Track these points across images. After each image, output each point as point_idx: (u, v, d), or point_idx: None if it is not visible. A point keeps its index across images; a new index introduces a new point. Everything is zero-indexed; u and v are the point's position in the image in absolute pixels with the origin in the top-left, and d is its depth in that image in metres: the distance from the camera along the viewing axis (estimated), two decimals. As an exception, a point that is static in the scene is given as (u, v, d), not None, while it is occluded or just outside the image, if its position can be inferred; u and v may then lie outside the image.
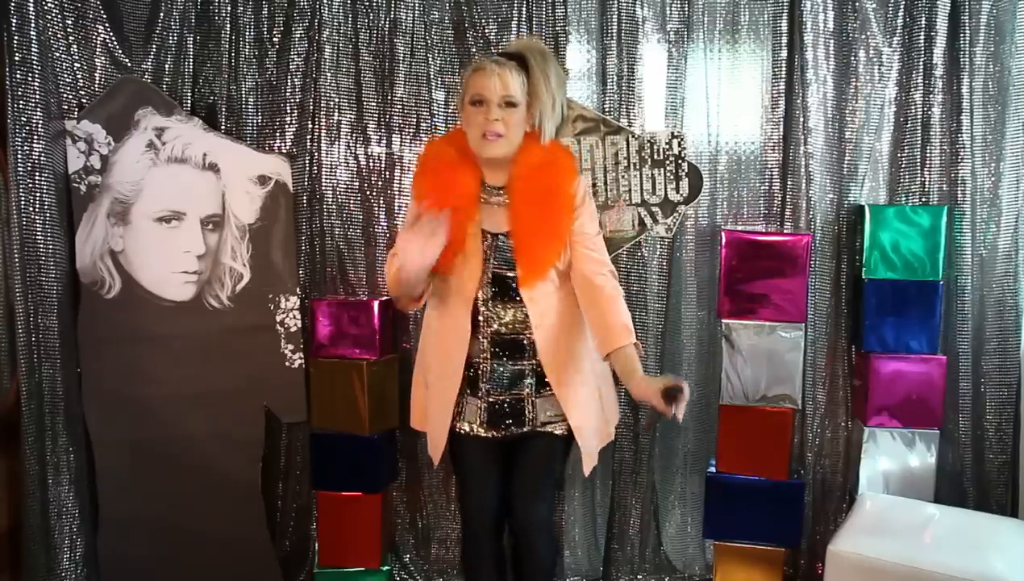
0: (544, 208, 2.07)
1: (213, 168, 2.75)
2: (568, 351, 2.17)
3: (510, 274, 2.10)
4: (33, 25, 2.57)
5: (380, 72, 2.85)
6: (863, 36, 2.78)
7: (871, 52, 2.78)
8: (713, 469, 2.80)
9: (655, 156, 2.81)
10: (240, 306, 2.79)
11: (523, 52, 2.10)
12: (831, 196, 2.84)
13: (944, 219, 2.67)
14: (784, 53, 2.79)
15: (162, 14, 2.78)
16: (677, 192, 2.82)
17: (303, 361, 2.83)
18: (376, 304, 2.75)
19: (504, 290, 2.11)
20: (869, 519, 2.50)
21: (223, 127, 2.82)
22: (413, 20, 2.81)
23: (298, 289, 2.83)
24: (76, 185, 2.73)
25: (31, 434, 2.63)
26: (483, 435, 2.16)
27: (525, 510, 2.17)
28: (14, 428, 2.65)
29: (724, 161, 2.89)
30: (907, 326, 2.69)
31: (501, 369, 2.14)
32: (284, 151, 2.86)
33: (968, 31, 2.71)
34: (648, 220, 2.83)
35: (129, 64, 2.80)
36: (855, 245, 2.82)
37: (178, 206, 2.75)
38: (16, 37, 2.54)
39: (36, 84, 2.58)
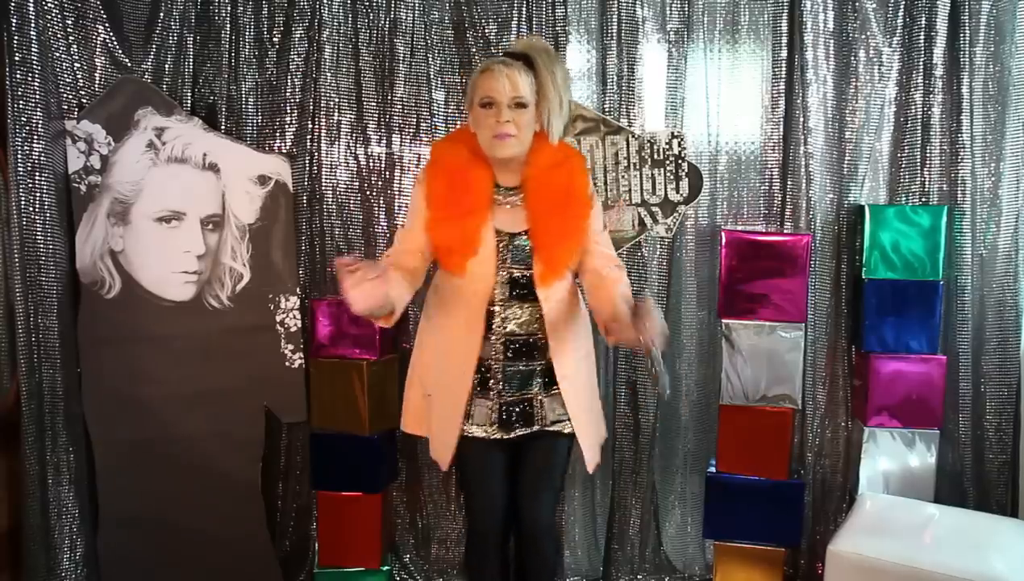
0: (562, 207, 2.07)
1: (213, 168, 2.75)
2: (575, 350, 2.18)
3: (527, 273, 2.09)
4: (33, 25, 2.57)
5: (380, 72, 2.85)
6: (863, 36, 2.78)
7: (871, 52, 2.79)
8: (713, 469, 2.80)
9: (655, 156, 2.81)
10: (240, 306, 2.79)
11: (528, 52, 2.09)
12: (831, 196, 2.84)
13: (944, 219, 2.67)
14: (784, 53, 2.79)
15: (162, 14, 2.78)
16: (677, 192, 2.82)
17: (303, 361, 2.83)
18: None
19: (519, 290, 2.10)
20: (869, 519, 2.50)
21: (223, 127, 2.82)
22: (413, 20, 2.81)
23: (298, 289, 2.83)
24: (76, 185, 2.73)
25: (31, 434, 2.63)
26: (493, 437, 2.15)
27: (533, 510, 2.18)
28: (14, 428, 2.65)
29: (724, 161, 2.89)
30: (907, 326, 2.69)
31: (513, 370, 2.14)
32: (284, 151, 2.86)
33: (968, 31, 2.71)
34: (648, 220, 2.83)
35: (129, 64, 2.80)
36: (855, 245, 2.82)
37: (178, 206, 2.75)
38: (16, 37, 2.54)
39: (36, 84, 2.58)
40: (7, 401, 2.69)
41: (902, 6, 2.76)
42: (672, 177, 2.81)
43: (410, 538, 3.05)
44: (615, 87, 2.81)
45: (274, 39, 2.84)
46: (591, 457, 2.20)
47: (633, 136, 2.81)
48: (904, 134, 2.82)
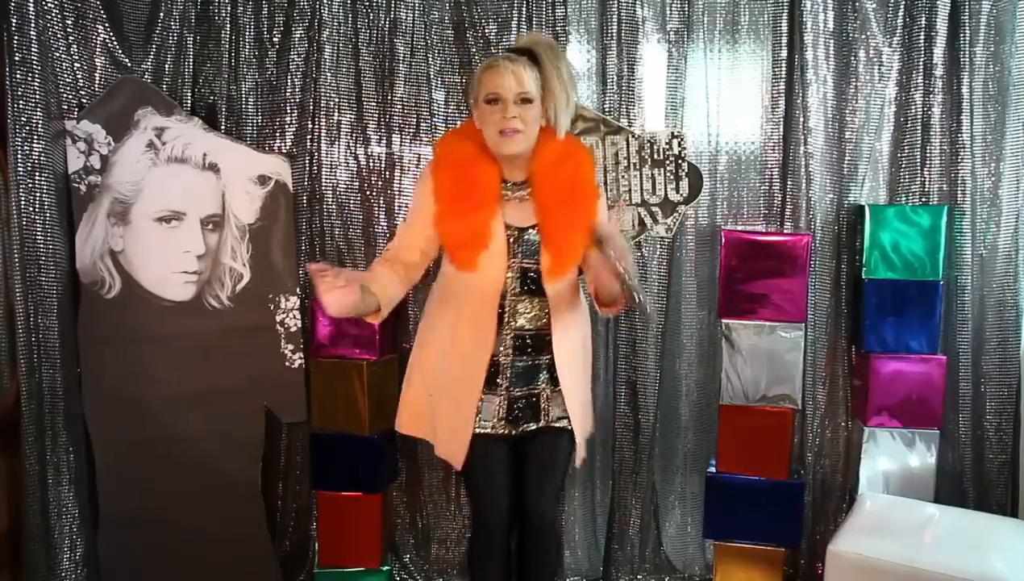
0: (571, 201, 2.07)
1: (213, 168, 2.75)
2: (572, 340, 2.18)
3: (537, 267, 2.09)
4: (33, 25, 2.57)
5: (380, 72, 2.85)
6: (863, 36, 2.78)
7: (871, 52, 2.79)
8: (713, 469, 2.80)
9: (655, 156, 2.81)
10: (240, 306, 2.79)
11: (532, 47, 2.08)
12: (831, 196, 2.84)
13: (944, 219, 2.67)
14: (784, 53, 2.79)
15: (162, 14, 2.78)
16: (677, 192, 2.82)
17: (303, 361, 2.83)
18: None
19: (529, 284, 2.11)
20: (869, 519, 2.50)
21: (223, 127, 2.82)
22: (413, 20, 2.81)
23: (298, 289, 2.83)
24: (76, 185, 2.73)
25: (31, 434, 2.63)
26: (500, 432, 2.15)
27: (539, 505, 2.18)
28: (14, 428, 2.65)
29: (724, 161, 2.89)
30: (907, 326, 2.69)
31: (521, 364, 2.14)
32: (284, 151, 2.86)
33: (968, 31, 2.72)
34: (648, 220, 2.83)
35: (129, 64, 2.79)
36: (855, 245, 2.82)
37: (178, 206, 2.75)
38: (16, 37, 2.54)
39: (36, 84, 2.58)
40: (7, 401, 2.69)
41: (902, 6, 2.76)
42: (672, 177, 2.81)
43: (410, 538, 3.05)
44: (615, 87, 2.81)
45: (274, 39, 2.84)
46: (580, 448, 2.22)
47: (633, 136, 2.81)
48: (904, 134, 2.82)
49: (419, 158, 2.88)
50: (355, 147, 2.88)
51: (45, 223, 2.63)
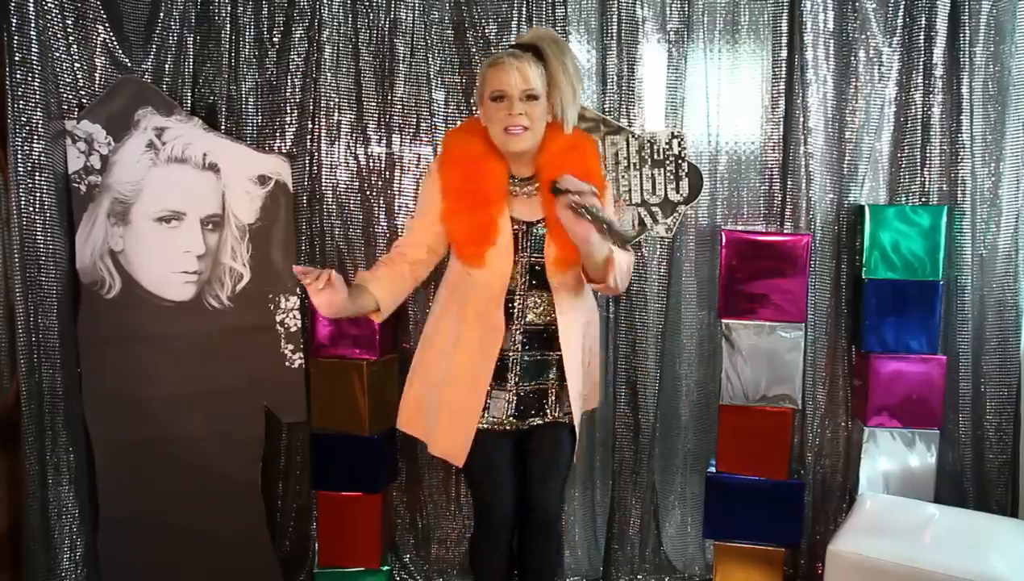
0: None
1: (213, 168, 2.75)
2: (578, 338, 2.19)
3: (544, 261, 2.09)
4: (33, 25, 2.57)
5: (380, 72, 2.85)
6: (863, 36, 2.78)
7: (871, 52, 2.79)
8: (713, 469, 2.80)
9: (655, 156, 2.81)
10: (240, 306, 2.79)
11: (537, 42, 2.08)
12: (831, 196, 2.84)
13: (944, 219, 2.67)
14: (784, 53, 2.79)
15: (162, 14, 2.78)
16: (677, 192, 2.82)
17: (303, 361, 2.83)
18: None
19: (538, 279, 2.11)
20: (869, 519, 2.50)
21: (223, 127, 2.82)
22: (413, 20, 2.81)
23: (298, 289, 2.82)
24: (76, 185, 2.73)
25: (31, 434, 2.63)
26: (506, 428, 2.15)
27: (544, 500, 2.19)
28: (14, 428, 2.65)
29: (724, 161, 2.89)
30: (907, 326, 2.69)
31: (530, 359, 2.14)
32: (284, 151, 2.86)
33: (968, 31, 2.71)
34: (648, 220, 2.83)
35: (129, 64, 2.79)
36: (855, 245, 2.82)
37: (178, 206, 2.75)
38: (16, 37, 2.54)
39: (36, 84, 2.58)
40: (7, 401, 2.69)
41: (902, 6, 2.76)
42: (672, 177, 2.81)
43: (410, 538, 3.05)
44: (615, 87, 2.81)
45: (274, 39, 2.84)
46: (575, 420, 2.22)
47: (633, 136, 2.81)
48: (904, 134, 2.82)
49: (419, 158, 2.88)
50: (355, 147, 2.88)
51: (45, 223, 2.63)
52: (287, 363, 2.82)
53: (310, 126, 2.87)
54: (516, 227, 2.09)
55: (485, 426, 2.14)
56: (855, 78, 2.80)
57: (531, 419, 2.17)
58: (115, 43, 2.78)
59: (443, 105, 2.84)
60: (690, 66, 2.81)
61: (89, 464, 2.79)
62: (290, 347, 2.82)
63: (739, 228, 2.85)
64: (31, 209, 2.59)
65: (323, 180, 2.88)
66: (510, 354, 2.13)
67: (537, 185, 2.11)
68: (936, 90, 2.76)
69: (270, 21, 2.83)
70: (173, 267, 2.77)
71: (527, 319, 2.13)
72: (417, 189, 2.88)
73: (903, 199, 2.82)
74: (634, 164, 2.81)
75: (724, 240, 2.72)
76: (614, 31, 2.79)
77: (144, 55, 2.80)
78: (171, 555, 2.82)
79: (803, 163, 2.80)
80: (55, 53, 2.67)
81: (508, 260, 2.07)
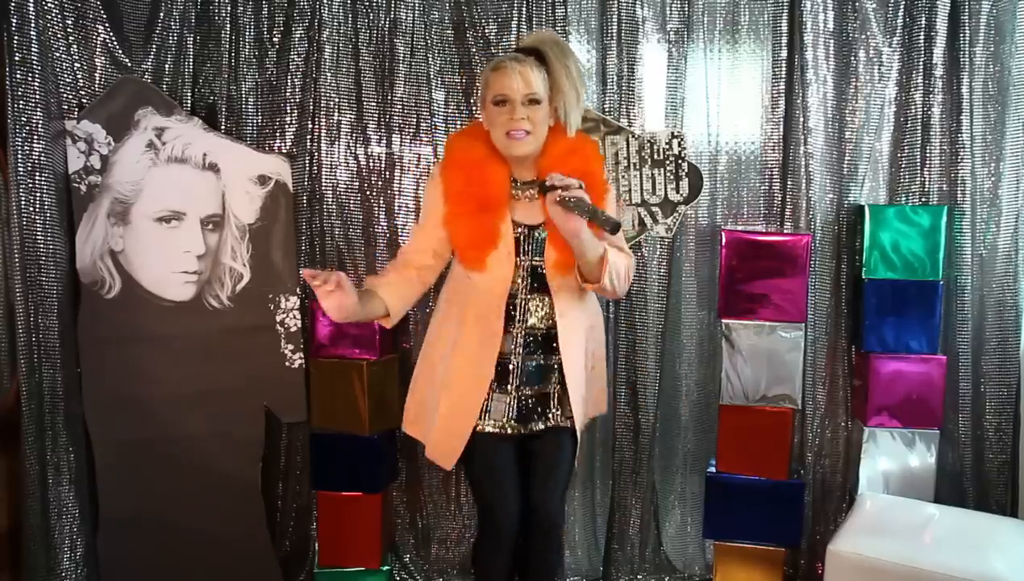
0: None
1: (213, 168, 2.75)
2: (580, 342, 2.18)
3: (545, 265, 2.09)
4: (33, 25, 2.57)
5: (380, 72, 2.85)
6: (863, 36, 2.78)
7: (871, 52, 2.79)
8: (713, 469, 2.80)
9: (655, 156, 2.81)
10: (240, 306, 2.79)
11: (539, 46, 2.08)
12: (831, 196, 2.84)
13: (944, 219, 2.67)
14: (784, 53, 2.79)
15: (162, 14, 2.78)
16: (677, 192, 2.82)
17: (303, 361, 2.83)
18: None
19: (539, 283, 2.11)
20: (869, 519, 2.50)
21: (223, 127, 2.82)
22: (413, 20, 2.81)
23: (298, 289, 2.83)
24: (76, 185, 2.73)
25: (31, 434, 2.63)
26: (508, 432, 2.15)
27: (546, 502, 2.18)
28: (14, 428, 2.65)
29: (724, 161, 2.89)
30: (907, 326, 2.69)
31: (532, 364, 2.14)
32: (284, 151, 2.86)
33: (968, 31, 2.71)
34: (648, 220, 2.83)
35: (129, 64, 2.79)
36: (855, 245, 2.82)
37: (178, 206, 2.75)
38: (16, 37, 2.54)
39: (36, 84, 2.58)
40: (7, 401, 2.69)
41: (902, 6, 2.76)
42: (672, 177, 2.81)
43: (410, 538, 3.05)
44: (615, 87, 2.81)
45: (274, 39, 2.84)
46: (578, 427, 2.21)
47: (633, 136, 2.81)
48: (904, 134, 2.82)
49: (419, 158, 2.88)
50: (355, 147, 2.88)
51: (45, 223, 2.63)
52: (287, 363, 2.82)
53: (310, 126, 2.87)
54: (518, 231, 2.09)
55: (486, 429, 2.14)
56: (855, 78, 2.80)
57: (533, 423, 2.17)
58: (115, 43, 2.78)
59: (443, 105, 2.84)
60: (690, 66, 2.81)
61: (89, 464, 2.79)
62: (290, 347, 2.82)
63: (739, 228, 2.85)
64: (31, 209, 2.59)
65: (323, 180, 2.88)
66: (511, 358, 2.13)
67: (539, 188, 2.11)
68: (936, 90, 2.76)
69: (270, 21, 2.83)
70: (173, 267, 2.77)
71: (528, 323, 2.12)
72: (417, 189, 2.88)
73: (903, 199, 2.82)
74: (634, 164, 2.81)
75: (724, 240, 2.72)
76: (614, 31, 2.79)
77: (144, 55, 2.80)
78: (171, 555, 2.82)
79: (803, 163, 2.80)
80: (55, 53, 2.67)
81: (509, 264, 2.07)
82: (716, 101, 2.85)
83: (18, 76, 2.55)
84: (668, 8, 2.79)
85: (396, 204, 2.90)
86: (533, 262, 2.10)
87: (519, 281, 2.10)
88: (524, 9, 2.78)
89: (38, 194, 2.60)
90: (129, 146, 2.73)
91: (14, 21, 2.54)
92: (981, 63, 2.74)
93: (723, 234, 2.73)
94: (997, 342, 2.81)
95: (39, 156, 2.60)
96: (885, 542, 2.31)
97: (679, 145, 2.80)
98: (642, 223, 2.83)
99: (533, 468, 2.20)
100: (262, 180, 2.77)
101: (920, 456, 2.73)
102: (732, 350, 2.72)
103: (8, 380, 2.71)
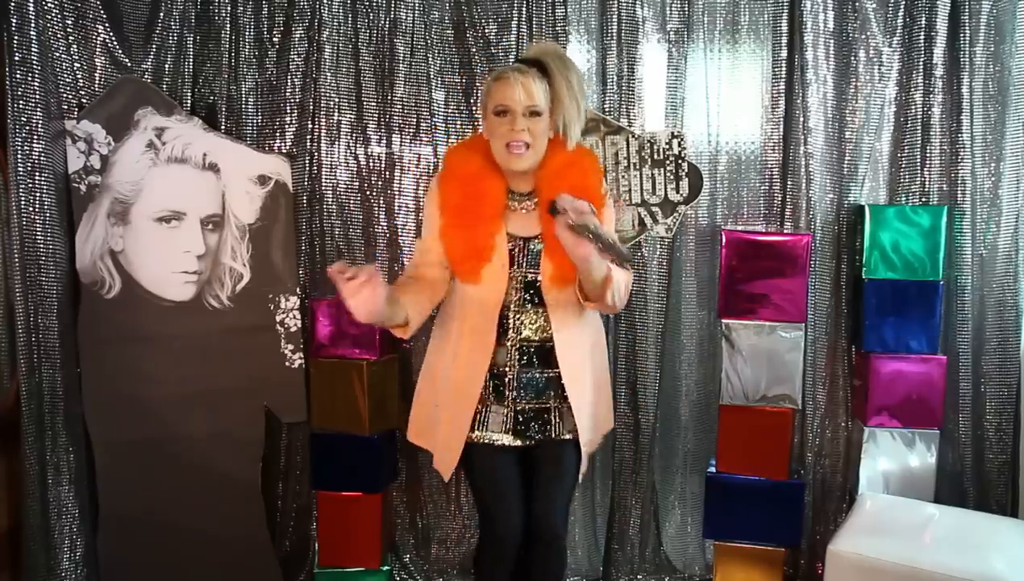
0: None
1: (213, 168, 2.75)
2: (581, 358, 2.16)
3: (541, 277, 2.08)
4: (33, 25, 2.57)
5: (380, 72, 2.85)
6: (863, 36, 2.78)
7: (871, 52, 2.79)
8: (713, 469, 2.80)
9: (655, 156, 2.81)
10: (240, 306, 2.79)
11: (542, 57, 2.07)
12: (831, 196, 2.84)
13: (944, 219, 2.67)
14: (784, 53, 2.79)
15: (162, 14, 2.78)
16: (677, 192, 2.82)
17: (303, 361, 2.83)
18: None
19: (534, 295, 2.09)
20: (869, 519, 2.50)
21: (223, 127, 2.82)
22: (413, 20, 2.81)
23: (298, 289, 2.83)
24: (76, 185, 2.73)
25: (31, 434, 2.63)
26: (508, 444, 2.14)
27: (549, 515, 2.17)
28: (14, 428, 2.65)
29: (724, 161, 2.89)
30: (907, 326, 2.69)
31: (528, 377, 2.12)
32: (284, 151, 2.86)
33: (968, 31, 2.71)
34: (648, 220, 2.83)
35: (129, 64, 2.79)
36: (855, 245, 2.82)
37: (178, 206, 2.75)
38: (16, 37, 2.54)
39: (36, 84, 2.58)
40: (7, 401, 2.69)
41: (902, 6, 2.76)
42: (672, 177, 2.81)
43: (410, 538, 3.05)
44: (615, 87, 2.81)
45: (274, 39, 2.84)
46: (583, 467, 2.19)
47: (633, 136, 2.81)
48: (904, 134, 2.82)
49: (419, 158, 2.88)
50: (355, 147, 2.88)
51: (45, 223, 2.63)
52: (287, 363, 2.82)
53: (310, 126, 2.87)
54: (512, 243, 2.08)
55: (483, 441, 2.13)
56: (855, 78, 2.80)
57: (533, 436, 2.15)
58: (115, 43, 2.78)
59: (443, 105, 2.84)
60: (690, 66, 2.81)
61: (89, 464, 2.79)
62: (290, 347, 2.82)
63: (739, 228, 2.85)
64: (31, 209, 2.59)
65: (323, 180, 2.88)
66: (507, 370, 2.12)
67: (535, 201, 2.10)
68: (936, 90, 2.76)
69: (270, 21, 2.83)
70: (173, 267, 2.77)
71: (523, 335, 2.10)
72: (417, 189, 2.88)
73: (903, 199, 2.82)
74: (634, 164, 2.81)
75: (724, 240, 2.72)
76: (614, 31, 2.79)
77: (144, 55, 2.80)
78: (171, 555, 2.82)
79: (803, 163, 2.80)
80: (55, 53, 2.67)
81: (503, 276, 2.06)
82: (716, 101, 2.85)
83: (18, 76, 2.55)
84: (668, 8, 2.79)
85: (396, 204, 2.90)
86: (527, 275, 2.09)
87: (512, 293, 2.09)
88: (524, 9, 2.78)
89: (38, 194, 2.60)
90: (129, 146, 2.73)
91: (14, 21, 2.54)
92: (981, 63, 2.74)
93: (723, 234, 2.73)
94: (997, 342, 2.81)
95: (39, 156, 2.60)
96: (885, 542, 2.31)
97: (679, 145, 2.80)
98: (642, 223, 2.83)
99: (536, 480, 2.19)
100: (262, 180, 2.78)
101: (920, 456, 2.73)
102: (732, 350, 2.72)
103: (8, 380, 2.71)
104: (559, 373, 2.12)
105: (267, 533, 2.88)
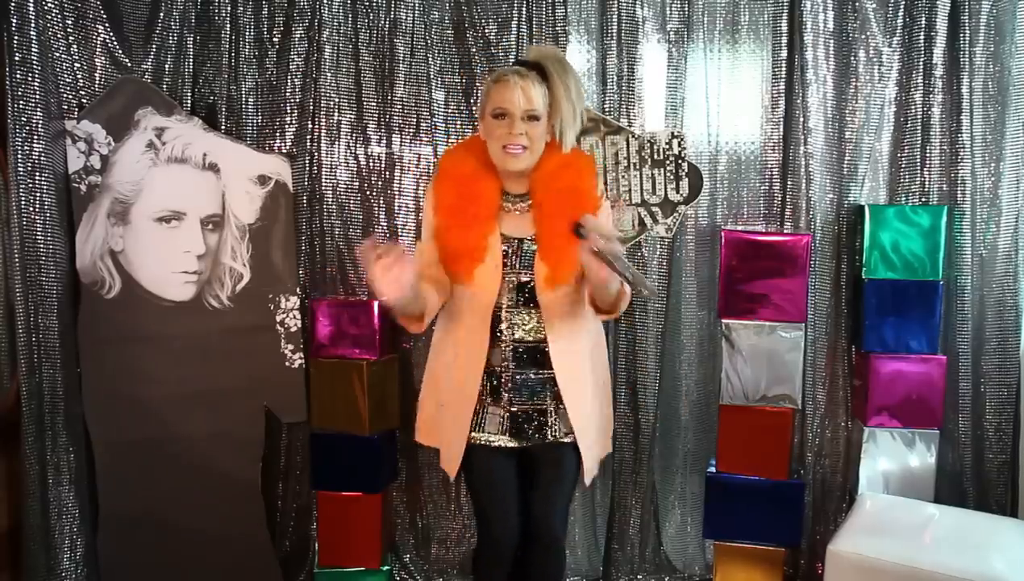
0: (568, 207, 2.02)
1: (213, 168, 2.75)
2: (579, 361, 2.16)
3: (534, 278, 2.07)
4: (33, 25, 2.57)
5: (380, 72, 2.85)
6: (863, 36, 2.78)
7: (871, 52, 2.79)
8: (713, 469, 2.80)
9: (655, 156, 2.81)
10: (240, 306, 2.79)
11: (542, 61, 2.07)
12: (831, 196, 2.84)
13: (944, 219, 2.67)
14: (784, 53, 2.79)
15: (162, 14, 2.78)
16: (677, 192, 2.82)
17: (303, 361, 2.83)
18: (376, 304, 2.75)
19: (528, 296, 2.09)
20: (869, 519, 2.50)
21: (223, 127, 2.82)
22: (413, 20, 2.81)
23: (298, 289, 2.83)
24: (76, 185, 2.73)
25: (31, 434, 2.63)
26: (505, 445, 2.13)
27: (548, 517, 2.17)
28: (14, 428, 2.65)
29: (724, 161, 2.89)
30: (907, 326, 2.69)
31: (523, 378, 2.12)
32: (284, 151, 2.86)
33: (968, 31, 2.71)
34: (648, 220, 2.83)
35: (129, 64, 2.80)
36: (855, 245, 2.82)
37: (178, 206, 2.75)
38: (16, 37, 2.54)
39: (36, 84, 2.58)
40: (7, 401, 2.69)
41: (902, 6, 2.76)
42: (672, 177, 2.81)
43: (410, 538, 3.05)
44: (615, 87, 2.81)
45: (274, 39, 2.84)
46: (588, 467, 2.17)
47: (633, 136, 2.81)
48: (904, 134, 2.82)
49: (419, 158, 2.88)
50: (355, 147, 2.88)
51: (45, 223, 2.63)
52: (287, 363, 2.82)
53: (310, 126, 2.87)
54: (506, 244, 2.08)
55: (480, 441, 2.13)
56: (855, 78, 2.80)
57: (530, 438, 2.14)
58: (115, 43, 2.78)
59: (443, 105, 2.84)
60: (690, 66, 2.81)
61: (89, 464, 2.79)
62: (290, 347, 2.82)
63: (739, 228, 2.85)
64: (31, 209, 2.60)
65: (323, 180, 2.89)
66: (501, 371, 2.11)
67: (530, 202, 2.10)
68: (936, 90, 2.76)
69: (270, 21, 2.83)
70: (173, 267, 2.77)
71: (516, 336, 2.10)
72: (417, 189, 2.89)
73: (903, 199, 2.82)
74: (634, 164, 2.81)
75: (724, 240, 2.72)
76: (614, 31, 2.79)
77: (144, 55, 2.80)
78: (171, 555, 2.82)
79: (803, 163, 2.80)
80: (55, 53, 2.67)
81: (496, 277, 2.06)
82: (716, 101, 2.85)
83: (18, 76, 2.55)
84: (668, 8, 2.79)
85: (396, 204, 2.90)
86: (521, 276, 2.08)
87: (506, 294, 2.08)
88: (524, 9, 2.78)
89: (38, 194, 2.60)
90: (129, 146, 2.73)
91: (14, 21, 2.54)
92: (981, 63, 2.74)
93: (723, 234, 2.73)
94: (997, 342, 2.81)
95: (39, 156, 2.60)
96: (885, 542, 2.31)
97: (679, 145, 2.80)
98: (642, 223, 2.83)
99: (536, 482, 2.18)
100: (262, 180, 2.78)
101: (920, 456, 2.73)
102: (732, 350, 2.72)
103: (8, 380, 2.71)
104: (553, 375, 2.11)
105: (267, 533, 2.88)
